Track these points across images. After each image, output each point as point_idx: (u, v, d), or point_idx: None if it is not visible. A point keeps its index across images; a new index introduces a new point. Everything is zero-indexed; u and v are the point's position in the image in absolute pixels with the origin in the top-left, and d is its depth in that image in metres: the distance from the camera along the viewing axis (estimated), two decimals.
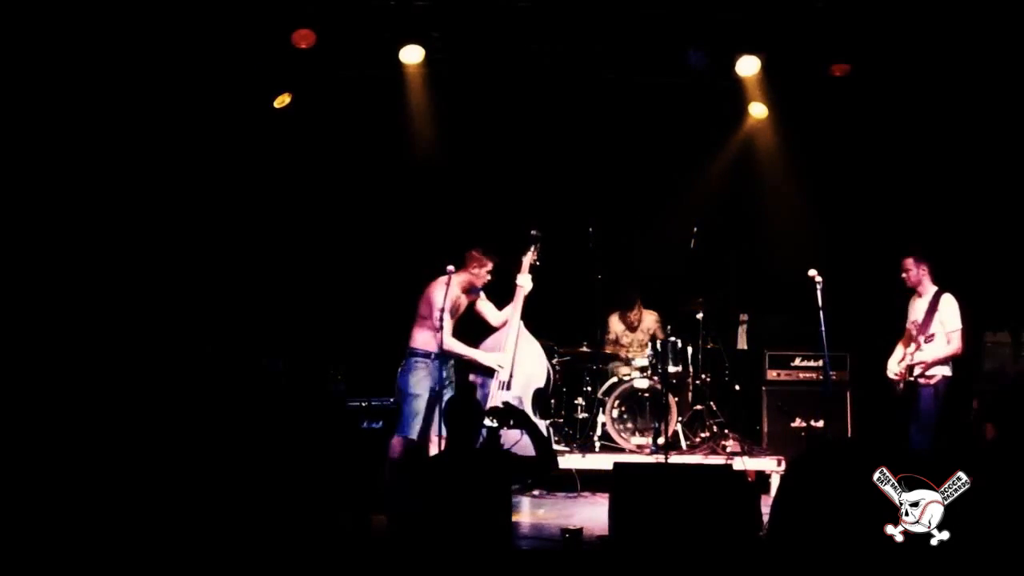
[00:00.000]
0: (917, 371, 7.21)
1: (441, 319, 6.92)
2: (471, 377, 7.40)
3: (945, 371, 7.23)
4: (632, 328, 9.13)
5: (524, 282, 7.44)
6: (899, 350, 7.43)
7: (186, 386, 7.71)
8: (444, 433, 6.84)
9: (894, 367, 7.41)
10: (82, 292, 7.54)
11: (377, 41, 8.19)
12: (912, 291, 7.47)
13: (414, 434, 6.99)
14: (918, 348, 7.22)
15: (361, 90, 8.67)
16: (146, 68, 7.70)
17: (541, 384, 7.47)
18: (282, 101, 8.47)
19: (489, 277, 7.35)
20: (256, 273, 8.58)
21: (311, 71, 8.34)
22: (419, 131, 8.85)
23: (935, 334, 7.22)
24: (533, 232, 7.56)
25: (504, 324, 7.46)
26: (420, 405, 7.01)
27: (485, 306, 7.53)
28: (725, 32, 8.10)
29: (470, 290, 7.39)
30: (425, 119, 8.81)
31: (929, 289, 7.37)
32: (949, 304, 7.25)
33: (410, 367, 7.12)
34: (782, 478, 6.39)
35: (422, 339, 7.13)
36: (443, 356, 7.04)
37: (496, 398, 7.20)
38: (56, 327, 7.37)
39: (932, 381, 7.19)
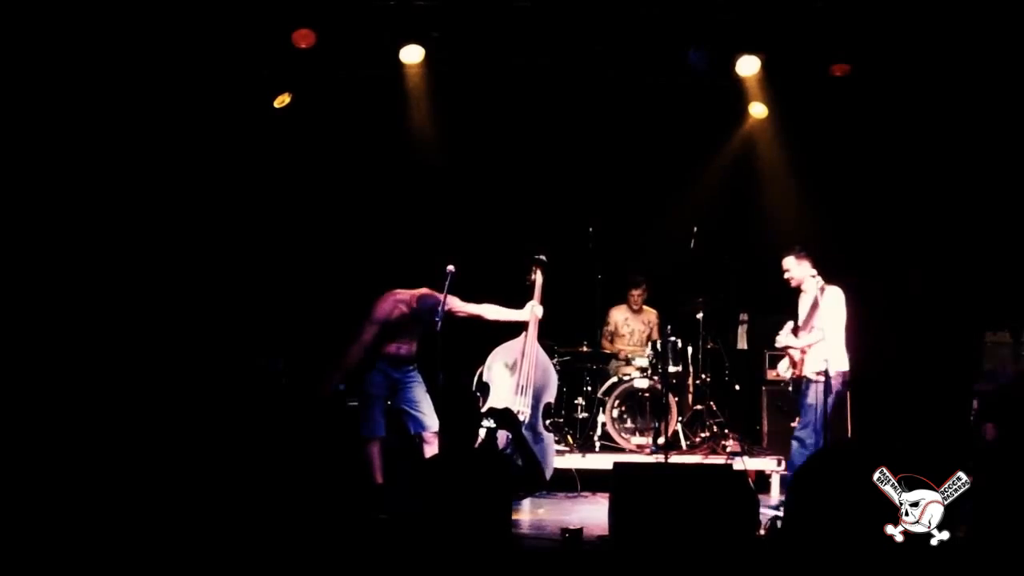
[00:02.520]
0: (797, 357, 7.05)
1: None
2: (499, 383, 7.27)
3: (840, 367, 6.88)
4: (633, 310, 9.10)
5: (538, 311, 7.32)
6: (788, 325, 7.18)
7: (186, 386, 7.73)
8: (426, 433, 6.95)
9: (783, 338, 7.15)
10: (82, 292, 7.54)
11: (377, 41, 8.20)
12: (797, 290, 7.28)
13: (382, 430, 7.05)
14: (799, 332, 7.03)
15: (361, 90, 8.68)
16: (146, 68, 7.70)
17: (552, 399, 7.47)
18: (282, 101, 8.47)
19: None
20: (256, 273, 8.58)
21: (311, 71, 8.35)
22: (419, 131, 8.85)
23: (814, 327, 6.99)
24: (539, 256, 7.40)
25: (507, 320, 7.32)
26: (377, 404, 7.09)
27: (473, 308, 7.25)
28: (725, 32, 8.11)
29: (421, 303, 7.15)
30: (425, 119, 8.81)
31: (812, 285, 7.05)
32: (831, 297, 6.97)
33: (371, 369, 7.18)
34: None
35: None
36: (394, 361, 7.05)
37: (514, 403, 7.11)
38: (55, 327, 7.37)
39: (817, 378, 6.89)
